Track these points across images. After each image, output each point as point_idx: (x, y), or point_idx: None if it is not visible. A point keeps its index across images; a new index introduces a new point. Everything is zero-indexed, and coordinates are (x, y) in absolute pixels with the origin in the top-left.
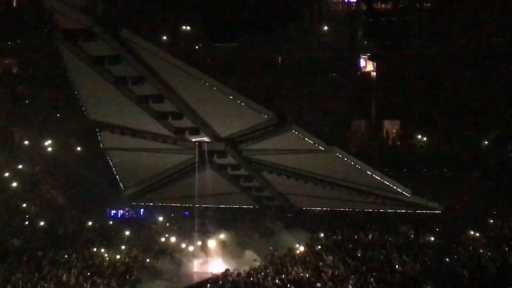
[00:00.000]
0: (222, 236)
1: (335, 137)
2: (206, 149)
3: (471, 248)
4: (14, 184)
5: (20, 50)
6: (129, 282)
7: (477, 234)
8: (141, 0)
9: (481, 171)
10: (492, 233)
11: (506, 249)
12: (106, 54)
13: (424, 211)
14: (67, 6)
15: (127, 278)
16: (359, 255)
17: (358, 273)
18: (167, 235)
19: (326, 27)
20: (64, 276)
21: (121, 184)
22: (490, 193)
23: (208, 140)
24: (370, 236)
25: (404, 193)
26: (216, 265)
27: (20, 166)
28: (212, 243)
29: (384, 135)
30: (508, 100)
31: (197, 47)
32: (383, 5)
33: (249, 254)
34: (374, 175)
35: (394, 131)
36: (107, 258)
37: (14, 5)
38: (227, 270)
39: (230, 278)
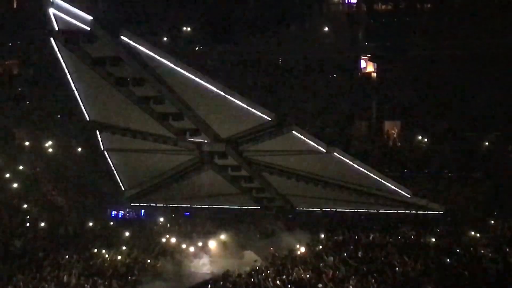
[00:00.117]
0: (222, 237)
1: (336, 138)
2: (206, 150)
3: (471, 249)
4: (15, 185)
5: (20, 51)
6: (129, 283)
7: (478, 235)
8: (142, 2)
9: (482, 172)
10: (492, 234)
11: (507, 249)
12: (106, 56)
13: (424, 212)
14: (68, 7)
15: (127, 279)
16: (360, 256)
17: (359, 274)
18: (167, 236)
19: (326, 28)
20: (65, 277)
21: (121, 185)
22: (490, 194)
23: (208, 141)
24: (371, 237)
25: (405, 194)
26: (217, 266)
27: (21, 167)
28: (212, 244)
29: (385, 136)
30: (509, 101)
31: (197, 48)
32: (383, 6)
33: (249, 255)
34: (374, 176)
35: (394, 132)
36: (108, 259)
37: (15, 6)
38: (227, 271)
39: (230, 279)
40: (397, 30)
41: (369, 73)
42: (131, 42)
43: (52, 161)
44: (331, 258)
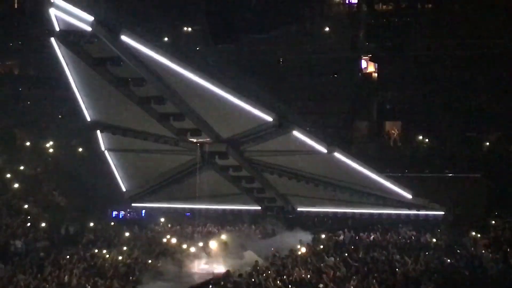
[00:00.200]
0: (223, 237)
1: (337, 139)
2: (207, 150)
3: (472, 249)
4: (16, 185)
5: (21, 52)
6: (130, 283)
7: (479, 235)
8: (143, 2)
9: (483, 172)
10: (493, 234)
11: (508, 250)
12: (107, 56)
13: (425, 212)
14: (69, 8)
15: (128, 279)
16: (360, 256)
17: (360, 274)
18: (168, 236)
19: (327, 29)
20: (66, 277)
21: (122, 185)
22: (491, 194)
23: (209, 141)
24: (371, 237)
25: (406, 194)
26: (218, 266)
27: (21, 167)
28: (213, 244)
29: (386, 136)
30: (510, 101)
31: (198, 48)
32: (384, 6)
33: (250, 255)
34: (375, 177)
35: (395, 132)
36: (109, 259)
37: (16, 6)
38: (228, 271)
39: (231, 279)
40: (397, 30)
41: (370, 73)
42: (132, 42)
43: (53, 162)
44: (332, 258)
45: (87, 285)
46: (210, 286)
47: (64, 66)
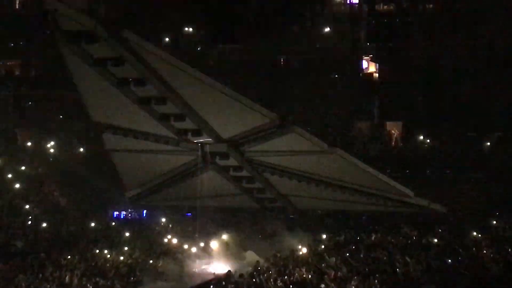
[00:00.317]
0: (224, 237)
1: (338, 139)
2: (208, 151)
3: (474, 249)
4: (17, 186)
5: (23, 52)
6: (131, 283)
7: (480, 235)
8: (144, 2)
9: (484, 172)
10: (494, 234)
11: (509, 250)
12: (108, 56)
13: (426, 212)
14: (70, 8)
15: (129, 279)
16: (361, 256)
17: (361, 275)
18: (169, 236)
19: (328, 29)
20: (67, 277)
21: (123, 186)
22: (492, 194)
23: (210, 142)
24: (372, 237)
25: (407, 194)
26: (219, 267)
27: (23, 168)
28: (214, 245)
29: (387, 136)
30: (510, 101)
31: (199, 48)
32: (385, 7)
33: (251, 255)
34: (376, 177)
35: (396, 132)
36: (110, 259)
37: (17, 7)
38: (229, 271)
39: (232, 280)
40: (398, 31)
41: (371, 74)
42: (133, 43)
43: (54, 162)
44: (333, 259)
45: (88, 285)
46: (211, 287)
47: (66, 66)
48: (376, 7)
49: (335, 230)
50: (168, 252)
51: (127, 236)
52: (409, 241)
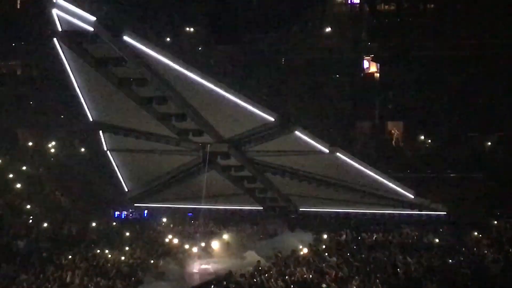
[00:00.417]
0: (225, 237)
1: (339, 139)
2: (209, 151)
3: (474, 249)
4: (18, 186)
5: (24, 52)
6: (133, 283)
7: (481, 235)
8: (145, 2)
9: (485, 172)
10: (495, 234)
11: (510, 250)
12: (109, 56)
13: (427, 213)
14: (71, 8)
15: (131, 279)
16: (363, 256)
17: (362, 274)
18: (170, 236)
19: (329, 29)
20: (68, 277)
21: (124, 186)
22: (493, 194)
23: (211, 142)
24: (374, 237)
25: (408, 194)
26: (220, 266)
27: (24, 168)
28: (215, 244)
29: (388, 136)
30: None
31: (200, 48)
32: (386, 7)
33: (252, 255)
34: (377, 177)
35: (397, 132)
36: (111, 259)
37: (18, 6)
38: (230, 271)
39: (233, 279)
40: (400, 30)
41: (372, 74)
42: (134, 43)
43: (55, 162)
44: (334, 259)
45: (89, 285)
46: (212, 286)
47: (67, 66)
48: (378, 7)
49: (336, 230)
50: (169, 252)
51: (128, 236)
52: (410, 241)
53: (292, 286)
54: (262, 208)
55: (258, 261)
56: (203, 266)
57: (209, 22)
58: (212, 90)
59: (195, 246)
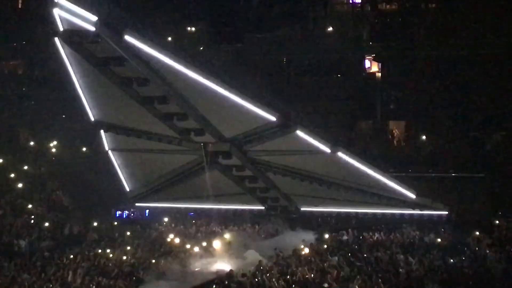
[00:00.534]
0: (226, 236)
1: (340, 138)
2: (211, 150)
3: (476, 249)
4: (20, 185)
5: (25, 52)
6: (134, 283)
7: (482, 235)
8: (146, 1)
9: (486, 172)
10: (497, 234)
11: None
12: (111, 56)
13: (429, 212)
14: (72, 8)
15: (132, 279)
16: (364, 256)
17: (363, 274)
18: (172, 236)
19: (331, 28)
20: (70, 276)
21: (126, 185)
22: (495, 194)
23: (213, 141)
24: (375, 237)
25: (409, 194)
26: (221, 266)
27: (25, 167)
28: (217, 244)
29: (389, 136)
30: None
31: (202, 48)
32: (388, 6)
33: (254, 254)
34: (379, 176)
35: (399, 132)
36: (113, 259)
37: (20, 6)
38: (231, 270)
39: (235, 279)
40: (401, 30)
41: (374, 73)
42: (136, 42)
43: (56, 161)
44: (336, 258)
45: (91, 284)
46: (214, 286)
47: (68, 66)
48: (379, 6)
49: (337, 230)
50: (171, 251)
51: (129, 236)
52: (412, 241)
53: (293, 286)
54: (263, 207)
55: (260, 261)
56: (205, 266)
57: (210, 21)
58: (213, 90)
59: (196, 245)
